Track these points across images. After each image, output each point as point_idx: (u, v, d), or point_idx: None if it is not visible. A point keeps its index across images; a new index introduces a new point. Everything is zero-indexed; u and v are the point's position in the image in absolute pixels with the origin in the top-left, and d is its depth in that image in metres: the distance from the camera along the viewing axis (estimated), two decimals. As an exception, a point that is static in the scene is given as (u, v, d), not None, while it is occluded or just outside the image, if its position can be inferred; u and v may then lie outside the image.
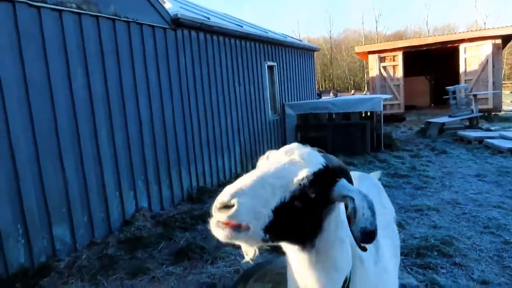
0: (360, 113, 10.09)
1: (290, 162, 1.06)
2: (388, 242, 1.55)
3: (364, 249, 1.06)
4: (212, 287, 3.39)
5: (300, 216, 1.03)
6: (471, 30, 17.34)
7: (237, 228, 0.96)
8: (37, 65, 3.90)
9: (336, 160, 1.13)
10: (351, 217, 1.02)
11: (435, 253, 3.73)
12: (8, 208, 3.59)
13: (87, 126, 4.45)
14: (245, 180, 1.02)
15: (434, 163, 7.98)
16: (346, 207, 1.04)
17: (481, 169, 7.07)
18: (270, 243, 1.04)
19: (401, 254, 3.73)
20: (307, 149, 1.11)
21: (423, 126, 12.52)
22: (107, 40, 4.74)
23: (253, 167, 1.25)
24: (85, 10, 4.40)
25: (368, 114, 10.38)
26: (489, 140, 9.03)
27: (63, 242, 4.12)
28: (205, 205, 5.81)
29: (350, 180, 1.13)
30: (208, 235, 4.66)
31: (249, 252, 1.10)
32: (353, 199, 1.03)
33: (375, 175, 2.32)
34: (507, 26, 14.44)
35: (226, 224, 0.96)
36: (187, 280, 3.53)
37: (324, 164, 1.06)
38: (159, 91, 5.67)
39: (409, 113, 16.99)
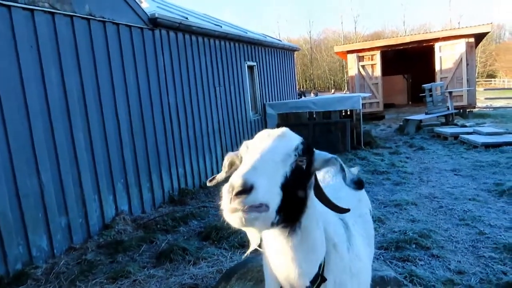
0: (340, 111, 10.22)
1: (277, 138, 1.11)
2: (361, 233, 1.59)
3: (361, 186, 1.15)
4: (195, 288, 3.36)
5: (297, 191, 1.08)
6: (446, 29, 17.81)
7: (255, 210, 0.94)
8: (8, 66, 3.78)
9: None
10: (342, 173, 1.14)
11: (414, 246, 3.82)
12: (-20, 214, 3.47)
13: (62, 128, 4.35)
14: (251, 162, 1.00)
15: (412, 159, 8.16)
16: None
17: (457, 164, 7.27)
18: (274, 227, 1.06)
19: (381, 248, 3.81)
20: (283, 128, 1.17)
21: (401, 123, 12.79)
22: (82, 40, 4.64)
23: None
24: (58, 10, 4.30)
25: (348, 112, 10.53)
26: (464, 136, 9.31)
27: (39, 248, 4.00)
28: (187, 207, 5.76)
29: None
30: (190, 236, 4.63)
31: (255, 239, 1.13)
32: (336, 158, 1.16)
33: (354, 170, 2.35)
34: (479, 25, 14.92)
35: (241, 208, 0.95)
36: (169, 282, 3.49)
37: (301, 138, 1.16)
38: (138, 92, 5.59)
39: (388, 111, 17.34)
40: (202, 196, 6.37)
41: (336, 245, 1.26)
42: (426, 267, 3.43)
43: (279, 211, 1.00)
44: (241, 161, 1.14)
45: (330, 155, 1.18)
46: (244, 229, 1.03)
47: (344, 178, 1.13)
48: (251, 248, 1.16)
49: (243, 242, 4.20)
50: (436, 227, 4.32)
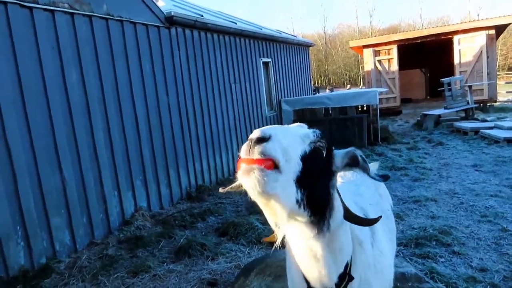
0: (357, 107, 10.11)
1: (294, 125, 1.13)
2: (384, 228, 1.59)
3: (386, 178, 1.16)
4: (213, 283, 3.40)
5: (318, 177, 1.05)
6: (465, 22, 17.37)
7: (268, 170, 0.90)
8: (31, 66, 3.88)
9: None
10: (363, 165, 1.14)
11: (434, 243, 3.76)
12: (7, 210, 3.58)
13: (83, 126, 4.44)
14: (269, 126, 1.03)
15: (431, 154, 8.02)
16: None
17: (478, 159, 7.11)
18: (301, 213, 1.01)
19: (400, 244, 3.77)
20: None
21: (419, 118, 12.57)
22: (100, 40, 4.73)
23: None
24: (77, 10, 4.38)
25: (365, 108, 10.41)
26: (485, 131, 9.08)
27: (62, 243, 4.11)
28: (204, 203, 5.82)
29: None
30: (208, 232, 4.68)
31: (280, 221, 1.00)
32: (355, 150, 1.16)
33: (373, 166, 2.34)
34: (500, 17, 14.49)
35: (257, 162, 0.91)
36: (188, 277, 3.54)
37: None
38: (155, 89, 5.66)
39: (405, 106, 17.05)
40: (219, 193, 6.39)
41: (362, 243, 1.26)
42: (447, 264, 3.38)
43: (300, 185, 0.97)
44: None
45: (348, 149, 1.18)
46: (263, 202, 0.96)
47: (366, 171, 1.13)
48: (277, 242, 1.09)
49: (260, 238, 4.22)
50: (457, 223, 4.25)
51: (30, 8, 3.87)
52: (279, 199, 0.95)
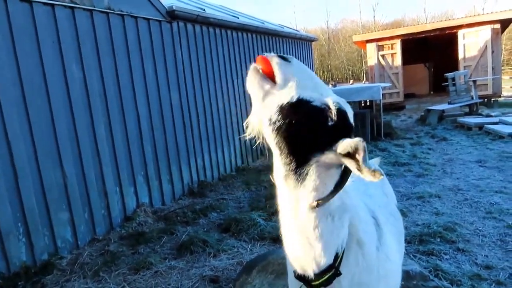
0: (360, 102, 10.04)
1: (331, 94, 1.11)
2: (392, 230, 1.53)
3: None
4: (215, 280, 3.38)
5: (304, 128, 1.03)
6: (470, 16, 17.17)
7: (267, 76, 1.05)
8: (31, 61, 3.85)
9: None
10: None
11: (438, 240, 3.73)
12: (8, 206, 3.57)
13: (84, 121, 4.41)
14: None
15: (434, 150, 7.96)
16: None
17: (482, 155, 7.04)
18: (272, 135, 1.06)
19: (404, 241, 3.73)
20: None
21: (422, 114, 12.48)
22: (101, 34, 4.68)
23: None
24: (78, 4, 4.33)
25: (368, 103, 10.33)
26: (490, 126, 9.00)
27: (64, 239, 4.10)
28: (206, 199, 5.79)
29: None
30: (210, 228, 4.66)
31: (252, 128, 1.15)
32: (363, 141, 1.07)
33: (375, 161, 2.29)
34: (505, 11, 14.31)
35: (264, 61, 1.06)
36: (190, 274, 3.52)
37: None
38: (157, 84, 5.62)
39: (408, 101, 16.93)
40: (221, 189, 6.39)
41: (361, 242, 1.18)
42: (451, 261, 3.34)
43: (280, 111, 1.03)
44: None
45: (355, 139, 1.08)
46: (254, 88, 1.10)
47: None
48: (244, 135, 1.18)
49: (263, 235, 4.20)
50: (461, 220, 4.21)
51: (30, 2, 3.82)
52: (258, 99, 1.09)
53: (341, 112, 1.02)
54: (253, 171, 7.31)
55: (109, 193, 4.69)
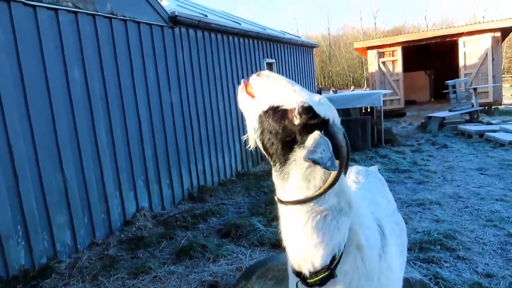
0: (360, 109, 10.05)
1: (310, 96, 1.16)
2: (396, 241, 1.52)
3: None
4: (214, 286, 3.37)
5: (274, 126, 1.13)
6: (471, 24, 17.25)
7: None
8: (34, 64, 3.87)
9: None
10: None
11: (438, 247, 3.71)
12: (7, 209, 3.56)
13: (85, 125, 4.42)
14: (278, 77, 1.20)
15: (435, 157, 7.95)
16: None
17: (483, 163, 7.04)
18: (257, 140, 1.18)
19: (406, 251, 3.71)
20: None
21: (423, 121, 12.49)
22: (104, 39, 4.71)
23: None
24: (81, 9, 4.37)
25: (368, 109, 10.34)
26: (490, 134, 9.00)
27: (63, 243, 4.09)
28: (206, 204, 5.78)
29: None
30: (209, 233, 4.64)
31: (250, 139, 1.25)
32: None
33: (374, 168, 2.29)
34: (506, 19, 14.37)
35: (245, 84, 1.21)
36: (189, 279, 3.51)
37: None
38: (158, 89, 5.64)
39: (409, 108, 16.95)
40: (221, 194, 6.38)
41: (362, 248, 1.18)
42: (452, 269, 3.32)
43: (260, 119, 1.15)
44: None
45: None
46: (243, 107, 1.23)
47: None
48: (247, 146, 1.27)
49: (262, 240, 4.18)
50: (462, 228, 4.19)
51: (34, 7, 3.85)
52: (246, 113, 1.23)
53: (306, 109, 1.08)
54: (253, 177, 7.31)
55: (109, 197, 4.69)
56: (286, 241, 1.20)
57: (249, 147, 1.28)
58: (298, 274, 1.19)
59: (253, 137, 1.22)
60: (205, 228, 4.85)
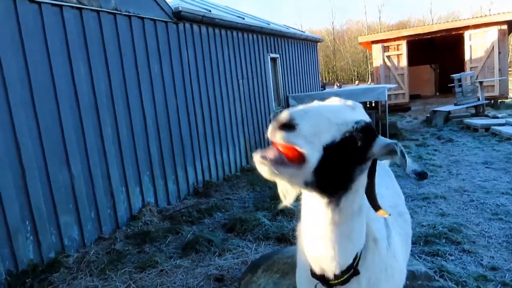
0: (365, 103, 10.03)
1: (345, 104, 1.06)
2: (399, 231, 1.53)
3: (424, 177, 1.08)
4: (220, 279, 3.40)
5: (341, 164, 0.99)
6: (477, 17, 17.07)
7: (290, 166, 0.92)
8: (39, 61, 3.90)
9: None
10: (401, 161, 1.06)
11: (443, 241, 3.71)
12: (16, 205, 3.61)
13: (91, 121, 4.46)
14: (305, 106, 0.97)
15: (440, 151, 7.92)
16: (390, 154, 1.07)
17: (488, 156, 7.00)
18: (307, 189, 1.02)
19: (410, 243, 3.72)
20: (356, 102, 1.12)
21: (428, 115, 12.42)
22: (108, 35, 4.73)
23: None
24: (85, 5, 4.38)
25: (373, 104, 10.31)
26: (496, 127, 8.94)
27: (71, 238, 4.14)
28: (211, 199, 5.82)
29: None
30: (215, 227, 4.68)
31: (289, 194, 1.05)
32: (396, 143, 1.07)
33: (386, 162, 2.30)
34: (512, 11, 14.20)
35: (279, 152, 0.92)
36: (195, 273, 3.54)
37: (369, 119, 1.08)
38: (163, 85, 5.66)
39: (414, 103, 16.86)
40: (226, 189, 6.41)
41: (377, 240, 1.20)
42: (457, 262, 3.33)
43: (315, 172, 0.95)
44: None
45: (389, 140, 1.09)
46: (275, 180, 0.99)
47: (404, 166, 1.05)
48: (284, 203, 1.07)
49: (268, 234, 4.21)
50: (467, 221, 4.19)
51: (39, 3, 3.87)
52: (289, 181, 0.99)
53: (363, 127, 1.01)
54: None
55: (115, 193, 4.73)
56: (312, 248, 1.14)
57: (287, 205, 1.09)
58: (319, 276, 1.16)
59: (297, 188, 1.04)
60: (210, 222, 4.89)
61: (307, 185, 0.98)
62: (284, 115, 0.92)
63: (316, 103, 1.03)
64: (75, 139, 4.24)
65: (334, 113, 0.99)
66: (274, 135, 0.92)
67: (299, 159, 0.93)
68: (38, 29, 3.89)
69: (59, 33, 4.11)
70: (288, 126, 0.91)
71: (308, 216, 1.13)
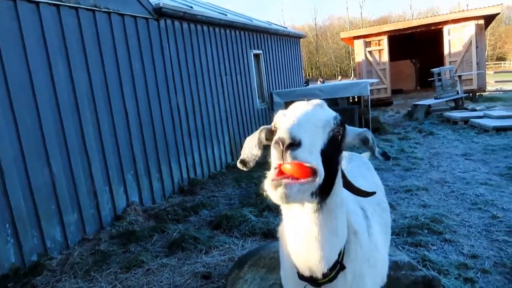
0: (348, 98, 10.12)
1: (316, 106, 1.10)
2: (378, 221, 1.56)
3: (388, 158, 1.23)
4: (207, 276, 3.39)
5: (332, 163, 1.06)
6: (455, 12, 17.43)
7: (306, 182, 0.92)
8: (16, 59, 3.79)
9: None
10: (372, 146, 1.19)
11: (426, 231, 3.80)
12: (-5, 207, 3.52)
13: (72, 121, 4.37)
14: (294, 119, 0.99)
15: (422, 144, 8.08)
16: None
17: (468, 148, 7.19)
18: (311, 200, 1.03)
19: (393, 233, 3.79)
20: (318, 100, 1.17)
21: (410, 109, 12.65)
22: (87, 32, 4.63)
23: None
24: (63, 2, 4.28)
25: (356, 99, 10.43)
26: (475, 120, 9.18)
27: (54, 239, 4.06)
28: (197, 197, 5.79)
29: None
30: (201, 225, 4.66)
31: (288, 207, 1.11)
32: (367, 131, 1.20)
33: (365, 155, 2.33)
34: (489, 6, 14.57)
35: (291, 176, 0.91)
36: (182, 271, 3.53)
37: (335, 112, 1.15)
38: (145, 82, 5.58)
39: (396, 97, 17.14)
40: (211, 186, 6.39)
41: (357, 233, 1.22)
42: (439, 251, 3.41)
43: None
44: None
45: (361, 129, 1.20)
46: (284, 203, 1.01)
47: (373, 150, 1.18)
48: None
49: (254, 230, 4.22)
50: (448, 212, 4.29)
51: (14, 0, 3.76)
52: (300, 201, 1.02)
53: (340, 121, 1.09)
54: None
55: (99, 192, 4.66)
56: (298, 251, 1.14)
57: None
58: (308, 278, 1.16)
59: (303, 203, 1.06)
60: (196, 220, 4.86)
61: (313, 195, 1.00)
62: (285, 136, 0.92)
63: (293, 110, 1.07)
64: (56, 139, 4.15)
65: (315, 116, 1.03)
66: (286, 157, 0.92)
67: (307, 175, 0.93)
68: (14, 27, 3.78)
69: (36, 30, 4.00)
70: (292, 145, 0.92)
71: (293, 225, 1.13)
